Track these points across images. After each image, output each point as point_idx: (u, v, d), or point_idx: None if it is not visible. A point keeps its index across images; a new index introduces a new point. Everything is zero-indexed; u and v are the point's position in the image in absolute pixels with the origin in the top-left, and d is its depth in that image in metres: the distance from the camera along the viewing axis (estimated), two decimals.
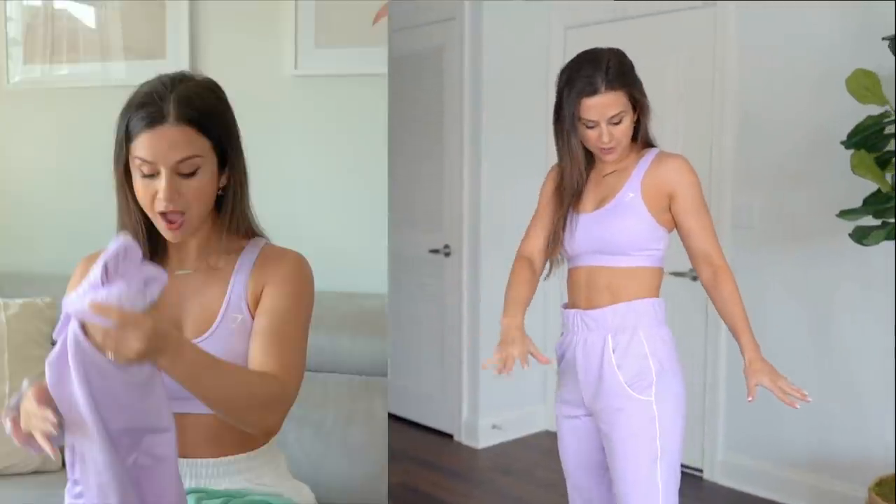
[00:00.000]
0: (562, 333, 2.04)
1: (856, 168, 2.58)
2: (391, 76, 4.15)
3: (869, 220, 2.67)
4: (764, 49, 3.39)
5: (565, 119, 1.91)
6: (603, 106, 1.86)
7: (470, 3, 4.03)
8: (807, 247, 3.26)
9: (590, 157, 1.99)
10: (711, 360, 3.61)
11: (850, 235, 2.69)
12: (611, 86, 1.85)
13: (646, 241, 1.91)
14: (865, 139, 2.66)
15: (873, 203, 2.64)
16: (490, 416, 4.17)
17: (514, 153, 4.09)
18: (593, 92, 1.85)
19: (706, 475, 3.66)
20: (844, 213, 2.70)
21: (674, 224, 1.94)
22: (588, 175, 1.99)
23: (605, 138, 1.88)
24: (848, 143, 2.69)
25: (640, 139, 1.97)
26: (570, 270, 2.03)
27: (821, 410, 3.24)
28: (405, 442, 4.17)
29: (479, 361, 4.08)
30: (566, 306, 2.03)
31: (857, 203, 2.70)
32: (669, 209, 1.92)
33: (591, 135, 1.90)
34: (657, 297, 1.97)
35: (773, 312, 3.35)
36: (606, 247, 1.93)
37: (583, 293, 1.97)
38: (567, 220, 1.98)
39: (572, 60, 1.92)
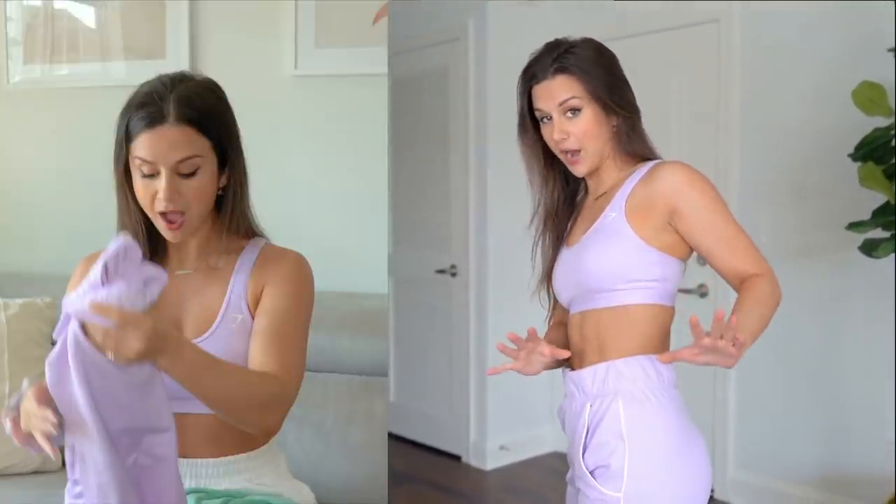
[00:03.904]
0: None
1: (864, 180, 2.57)
2: (395, 97, 4.15)
3: (878, 233, 2.66)
4: (768, 64, 3.37)
5: (518, 115, 1.65)
6: (550, 91, 1.56)
7: (474, 24, 4.02)
8: (816, 260, 3.22)
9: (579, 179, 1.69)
10: (721, 376, 3.54)
11: (859, 248, 2.68)
12: (562, 69, 1.55)
13: (633, 270, 1.52)
14: (873, 151, 2.65)
15: (882, 215, 2.64)
16: (498, 438, 4.13)
17: (520, 173, 4.04)
18: (543, 77, 1.57)
19: (717, 494, 3.57)
20: (853, 226, 2.69)
21: (684, 249, 1.56)
22: (582, 200, 1.70)
23: (556, 134, 1.56)
24: (856, 156, 2.69)
25: (626, 150, 1.61)
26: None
27: (832, 426, 3.21)
28: (413, 464, 4.13)
29: (487, 383, 4.06)
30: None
31: (866, 215, 2.69)
32: (675, 230, 1.53)
33: (547, 133, 1.60)
34: (659, 350, 1.53)
35: (783, 327, 3.30)
36: (587, 282, 1.55)
37: (576, 348, 1.61)
38: (556, 257, 1.67)
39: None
